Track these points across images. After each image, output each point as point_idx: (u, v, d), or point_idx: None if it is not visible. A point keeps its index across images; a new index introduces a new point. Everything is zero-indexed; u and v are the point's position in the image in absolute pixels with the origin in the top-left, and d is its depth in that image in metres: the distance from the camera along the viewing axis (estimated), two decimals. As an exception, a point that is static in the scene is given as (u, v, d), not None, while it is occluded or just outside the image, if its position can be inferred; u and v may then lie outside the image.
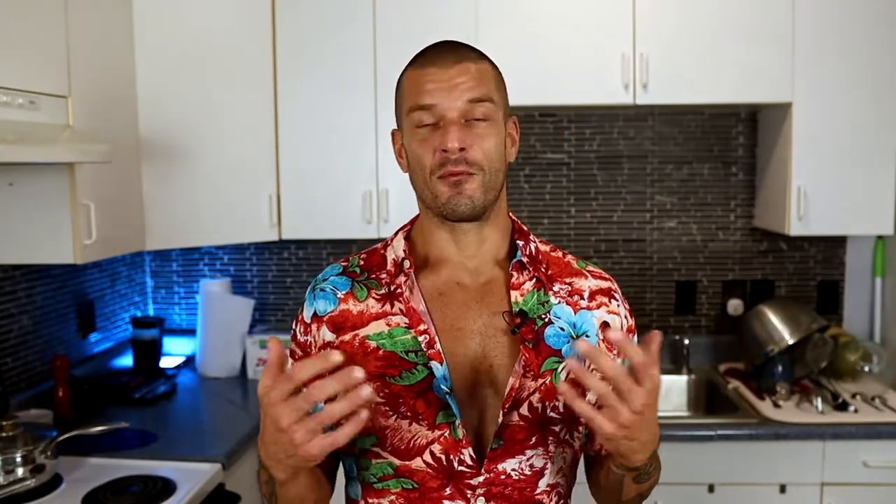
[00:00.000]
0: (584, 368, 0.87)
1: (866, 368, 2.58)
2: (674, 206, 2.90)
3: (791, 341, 2.54)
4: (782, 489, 2.27)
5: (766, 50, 2.44)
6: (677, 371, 2.77)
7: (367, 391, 0.83)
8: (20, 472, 1.75)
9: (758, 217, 2.84)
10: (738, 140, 2.87)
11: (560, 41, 2.46)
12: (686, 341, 2.78)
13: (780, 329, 2.57)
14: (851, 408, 2.33)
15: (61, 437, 1.83)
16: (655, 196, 2.90)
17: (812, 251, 2.88)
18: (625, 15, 2.44)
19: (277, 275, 2.99)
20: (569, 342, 1.08)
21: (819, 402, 2.34)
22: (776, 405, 2.38)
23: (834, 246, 2.87)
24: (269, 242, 2.93)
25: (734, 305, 2.89)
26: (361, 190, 2.57)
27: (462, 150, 1.01)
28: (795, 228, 2.49)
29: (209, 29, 2.42)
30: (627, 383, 0.86)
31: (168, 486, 1.83)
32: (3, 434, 1.78)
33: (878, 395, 2.41)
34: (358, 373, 0.83)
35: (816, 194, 2.48)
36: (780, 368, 2.54)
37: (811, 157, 2.47)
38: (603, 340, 1.10)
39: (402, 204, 2.55)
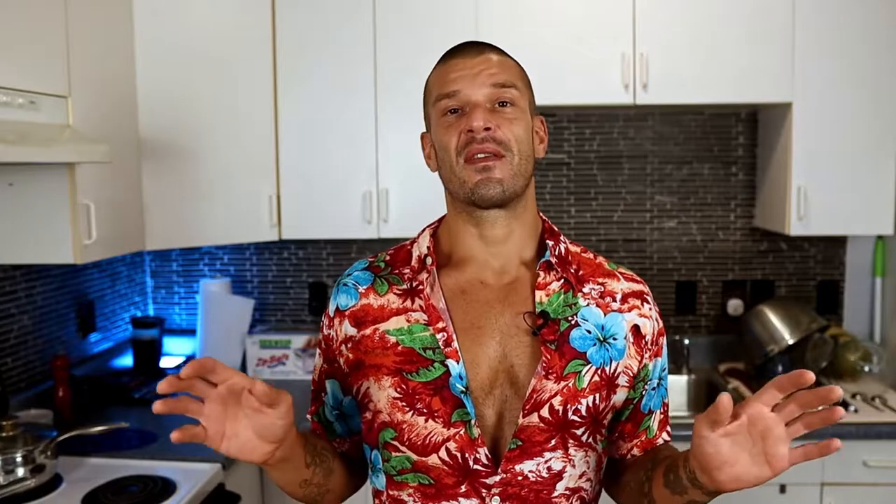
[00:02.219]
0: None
1: (866, 368, 2.58)
2: (674, 206, 2.90)
3: (791, 341, 2.54)
4: (782, 489, 2.27)
5: (766, 50, 2.44)
6: (677, 371, 2.77)
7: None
8: (20, 472, 1.75)
9: (758, 217, 2.84)
10: (738, 140, 2.87)
11: (560, 41, 2.46)
12: (686, 341, 2.78)
13: (780, 329, 2.58)
14: (851, 408, 2.33)
15: (61, 437, 1.83)
16: (655, 196, 2.90)
17: (812, 251, 2.88)
18: (625, 15, 2.44)
19: (277, 275, 2.99)
20: (595, 345, 1.06)
21: (819, 402, 2.33)
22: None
23: (834, 246, 2.87)
24: (269, 242, 2.93)
25: (734, 305, 2.89)
26: (361, 190, 2.57)
27: (488, 129, 1.01)
28: (795, 228, 2.49)
29: (209, 29, 2.43)
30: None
31: (168, 486, 1.83)
32: (3, 434, 1.78)
33: (878, 395, 2.42)
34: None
35: (816, 194, 2.48)
36: (780, 368, 2.54)
37: (811, 157, 2.47)
38: (633, 344, 1.09)
39: (403, 204, 2.55)
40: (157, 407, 0.85)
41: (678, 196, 2.90)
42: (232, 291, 2.92)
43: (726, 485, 0.88)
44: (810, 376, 0.82)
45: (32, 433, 1.83)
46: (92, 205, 1.96)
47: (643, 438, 1.15)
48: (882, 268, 2.81)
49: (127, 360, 2.80)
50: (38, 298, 2.34)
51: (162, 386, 0.84)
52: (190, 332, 2.99)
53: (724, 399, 0.83)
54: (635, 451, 1.15)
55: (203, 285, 2.83)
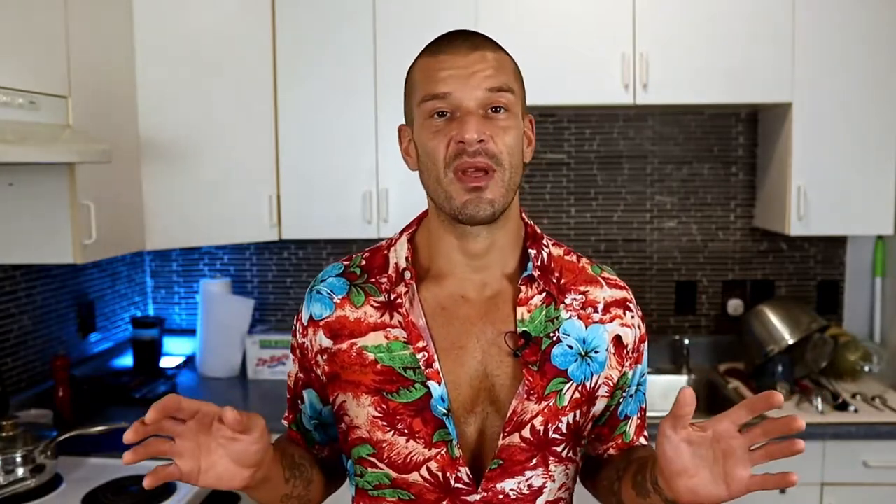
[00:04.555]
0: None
1: (866, 368, 2.58)
2: (674, 206, 2.90)
3: (791, 341, 2.54)
4: (782, 489, 2.27)
5: (766, 50, 2.44)
6: (677, 371, 2.77)
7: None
8: (20, 472, 1.75)
9: (758, 217, 2.84)
10: (738, 140, 2.87)
11: (560, 41, 2.46)
12: (686, 341, 2.78)
13: (780, 329, 2.58)
14: (851, 408, 2.33)
15: (61, 437, 1.83)
16: (655, 196, 2.90)
17: (812, 251, 2.88)
18: (625, 15, 2.44)
19: (277, 275, 2.99)
20: (576, 360, 1.03)
21: (819, 402, 2.34)
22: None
23: (834, 246, 2.87)
24: (269, 242, 2.93)
25: (734, 305, 2.89)
26: (361, 190, 2.57)
27: (481, 141, 0.94)
28: (795, 228, 2.49)
29: (209, 29, 2.42)
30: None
31: (168, 486, 1.83)
32: (3, 434, 1.78)
33: (878, 395, 2.41)
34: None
35: (816, 194, 2.48)
36: (780, 368, 2.54)
37: (811, 157, 2.47)
38: (614, 355, 1.07)
39: (402, 204, 2.55)
40: (128, 458, 0.82)
41: (678, 196, 2.90)
42: (232, 291, 2.92)
43: (682, 495, 0.87)
44: (779, 398, 0.82)
45: (32, 433, 1.83)
46: (92, 205, 1.96)
47: (619, 442, 1.14)
48: (882, 268, 2.81)
49: (127, 360, 2.80)
50: (38, 298, 2.34)
51: (128, 436, 0.81)
52: (190, 332, 2.99)
53: (686, 392, 0.83)
54: (611, 452, 1.14)
55: (203, 285, 2.83)
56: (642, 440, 1.17)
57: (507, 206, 0.99)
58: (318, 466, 1.13)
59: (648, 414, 1.21)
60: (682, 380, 2.75)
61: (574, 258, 1.11)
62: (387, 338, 1.02)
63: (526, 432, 1.01)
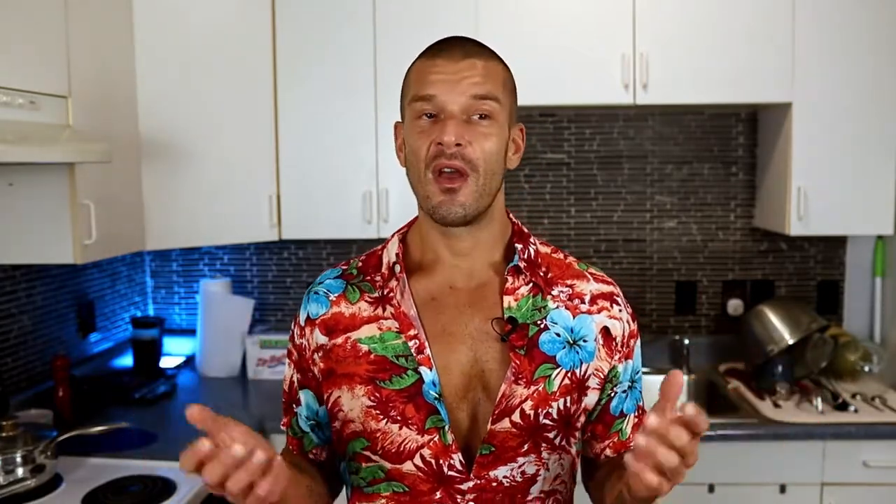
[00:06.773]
0: (651, 443, 0.81)
1: (866, 368, 2.58)
2: (674, 206, 2.90)
3: (791, 341, 2.54)
4: (782, 489, 2.27)
5: (766, 50, 2.44)
6: (677, 371, 2.77)
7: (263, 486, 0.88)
8: (20, 472, 1.75)
9: (758, 217, 2.84)
10: (738, 140, 2.87)
11: (560, 41, 2.46)
12: (686, 341, 2.78)
13: (780, 329, 2.57)
14: (851, 408, 2.33)
15: (61, 437, 1.83)
16: (655, 196, 2.90)
17: (812, 251, 2.88)
18: (625, 15, 2.44)
19: (277, 275, 2.99)
20: (564, 348, 1.05)
21: (819, 402, 2.34)
22: (776, 405, 2.38)
23: (834, 246, 2.87)
24: (269, 242, 2.93)
25: (734, 305, 2.89)
26: (361, 190, 2.57)
27: (459, 145, 0.98)
28: (795, 228, 2.49)
29: (209, 28, 2.42)
30: (689, 446, 0.81)
31: (168, 486, 1.83)
32: (3, 434, 1.78)
33: (878, 395, 2.41)
34: (259, 456, 0.88)
35: (816, 194, 2.48)
36: (780, 368, 2.54)
37: (811, 157, 2.47)
38: (603, 346, 1.08)
39: (402, 204, 2.55)
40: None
41: (678, 196, 2.90)
42: (232, 291, 2.92)
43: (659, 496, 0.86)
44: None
45: (32, 433, 1.83)
46: (92, 205, 1.96)
47: (615, 440, 1.14)
48: (882, 268, 2.81)
49: (127, 360, 2.80)
50: (38, 298, 2.34)
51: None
52: (190, 332, 2.99)
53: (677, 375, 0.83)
54: (608, 452, 1.14)
55: (203, 285, 2.83)
56: None
57: (480, 211, 1.03)
58: (317, 476, 1.14)
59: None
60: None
61: (561, 255, 1.14)
62: (380, 329, 1.05)
63: (516, 417, 1.03)
